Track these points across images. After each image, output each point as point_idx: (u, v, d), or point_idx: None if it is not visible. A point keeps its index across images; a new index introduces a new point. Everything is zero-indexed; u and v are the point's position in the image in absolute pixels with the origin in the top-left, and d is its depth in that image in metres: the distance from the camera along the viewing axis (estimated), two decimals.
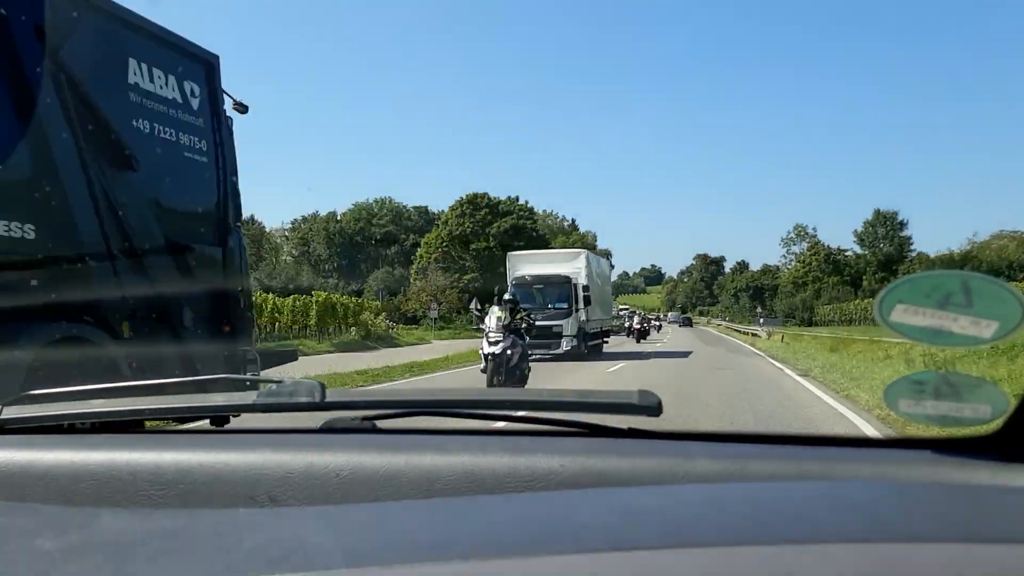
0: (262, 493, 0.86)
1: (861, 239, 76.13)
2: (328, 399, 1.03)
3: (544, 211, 77.16)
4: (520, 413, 1.04)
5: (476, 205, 55.87)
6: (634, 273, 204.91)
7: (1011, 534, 0.53)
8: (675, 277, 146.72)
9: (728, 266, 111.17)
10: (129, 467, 0.90)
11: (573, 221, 79.20)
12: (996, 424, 0.86)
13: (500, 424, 1.01)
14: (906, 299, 0.86)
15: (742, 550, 0.50)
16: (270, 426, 1.11)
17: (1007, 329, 0.82)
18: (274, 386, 1.07)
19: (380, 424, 1.05)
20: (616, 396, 1.05)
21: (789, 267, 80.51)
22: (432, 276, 46.61)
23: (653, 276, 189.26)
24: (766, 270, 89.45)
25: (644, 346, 23.39)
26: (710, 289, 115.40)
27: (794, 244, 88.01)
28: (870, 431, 7.03)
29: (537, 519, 0.63)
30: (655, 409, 1.00)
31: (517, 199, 55.65)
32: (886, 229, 75.89)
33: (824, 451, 0.93)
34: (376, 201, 79.58)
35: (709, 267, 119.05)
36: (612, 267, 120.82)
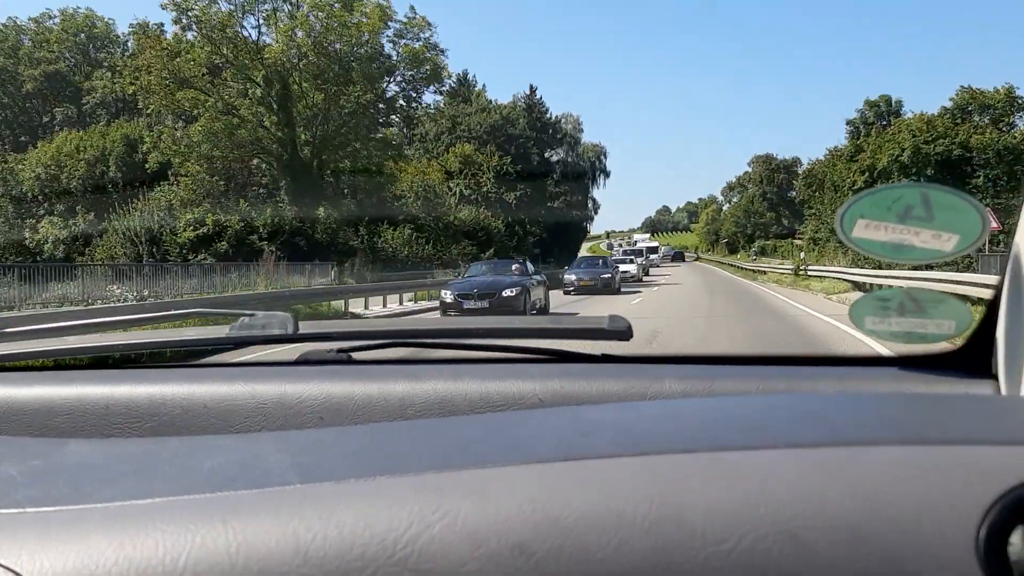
0: (235, 425, 1.01)
1: None
2: (301, 331, 1.18)
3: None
4: (493, 341, 1.24)
5: None
6: (677, 208, 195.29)
7: (959, 436, 0.62)
8: (718, 197, 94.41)
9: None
10: (103, 401, 1.06)
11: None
12: (961, 340, 0.99)
13: (474, 353, 1.24)
14: (867, 214, 0.93)
15: (687, 457, 0.58)
16: (244, 359, 1.30)
17: (968, 242, 0.91)
18: (246, 319, 1.22)
19: (354, 355, 1.22)
20: (587, 322, 1.22)
21: None
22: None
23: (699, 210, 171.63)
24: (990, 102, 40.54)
25: None
26: (777, 211, 54.90)
27: None
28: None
29: (494, 435, 0.73)
30: (625, 333, 1.14)
31: None
32: None
33: (790, 370, 1.09)
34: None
35: (775, 175, 59.54)
36: (608, 173, 69.77)
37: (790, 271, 31.35)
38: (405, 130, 60.51)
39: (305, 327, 1.21)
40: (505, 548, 0.52)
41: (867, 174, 36.80)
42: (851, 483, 0.53)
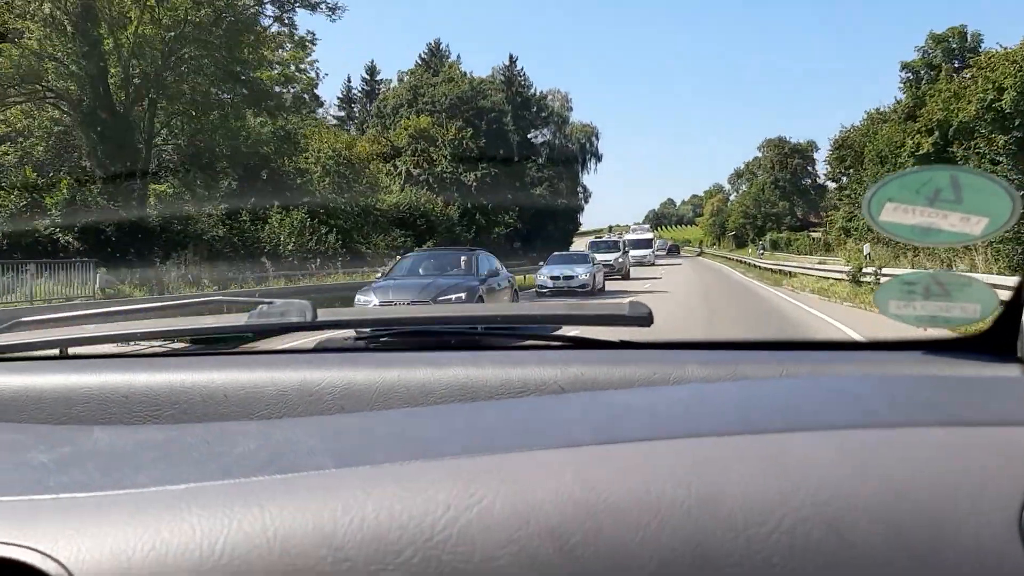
0: (256, 412, 1.04)
1: None
2: (320, 318, 1.20)
3: None
4: (512, 328, 1.28)
5: None
6: (682, 202, 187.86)
7: (994, 417, 0.64)
8: (724, 186, 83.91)
9: (824, 154, 39.48)
10: (123, 389, 1.07)
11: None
12: (986, 323, 1.02)
13: (494, 339, 1.27)
14: (896, 197, 0.95)
15: (727, 439, 0.60)
16: (263, 347, 1.33)
17: (998, 224, 0.93)
18: (265, 307, 1.25)
19: (373, 342, 1.26)
20: (607, 308, 1.24)
21: None
22: None
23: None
24: None
25: None
26: (791, 200, 42.41)
27: None
28: None
29: (525, 420, 0.78)
30: (646, 319, 1.16)
31: None
32: None
33: (814, 354, 1.12)
34: None
35: (788, 160, 46.94)
36: (600, 157, 66.02)
37: (840, 274, 19.23)
38: (369, 106, 50.13)
39: (324, 315, 1.23)
40: (542, 531, 0.53)
41: (937, 134, 26.37)
42: (889, 464, 0.54)
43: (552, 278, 20.16)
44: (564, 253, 24.61)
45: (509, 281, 13.32)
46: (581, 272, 20.40)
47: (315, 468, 0.60)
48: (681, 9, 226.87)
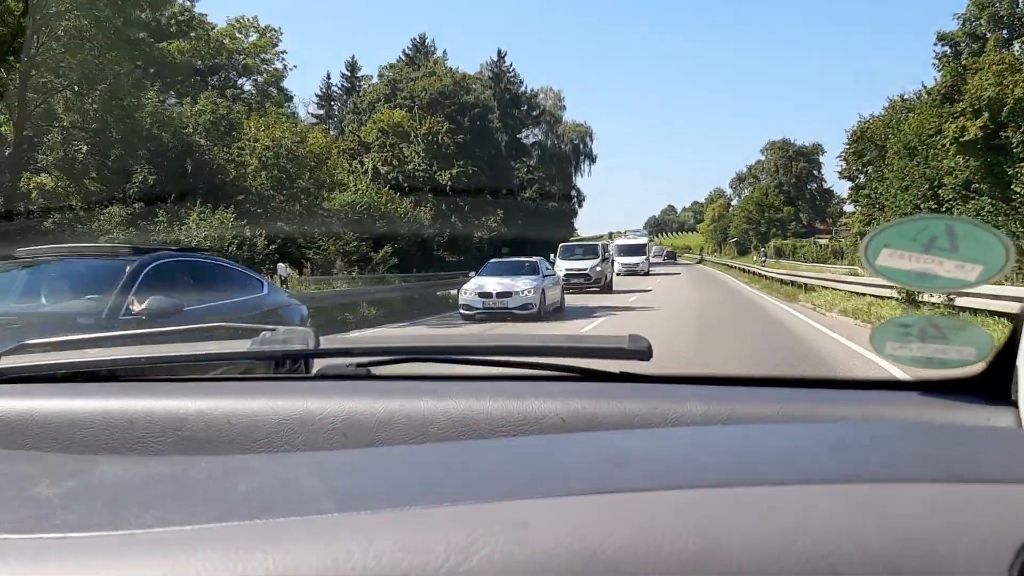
0: (258, 440, 1.06)
1: None
2: (322, 346, 1.24)
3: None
4: (514, 358, 1.29)
5: None
6: (683, 208, 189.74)
7: (990, 474, 0.66)
8: (726, 190, 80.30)
9: (831, 157, 38.94)
10: (126, 415, 1.09)
11: None
12: (981, 365, 1.06)
13: (494, 369, 1.30)
14: (892, 243, 0.99)
15: (724, 491, 0.61)
16: (265, 374, 1.46)
17: (991, 272, 0.98)
18: (267, 334, 1.27)
19: (374, 370, 1.28)
20: (607, 341, 1.26)
21: None
22: None
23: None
24: None
25: None
26: (796, 205, 37.31)
27: None
28: None
29: (527, 463, 0.78)
30: (646, 353, 1.19)
31: None
32: None
33: (810, 393, 1.16)
34: None
35: (792, 164, 41.83)
36: (594, 158, 62.58)
37: (882, 290, 14.21)
38: (348, 103, 46.65)
39: (326, 342, 1.25)
40: None
41: (987, 115, 20.83)
42: (885, 520, 0.55)
43: (482, 295, 15.14)
44: (504, 260, 18.29)
45: (237, 307, 6.27)
46: (523, 287, 15.17)
47: (318, 512, 0.60)
48: (680, 5, 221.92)
